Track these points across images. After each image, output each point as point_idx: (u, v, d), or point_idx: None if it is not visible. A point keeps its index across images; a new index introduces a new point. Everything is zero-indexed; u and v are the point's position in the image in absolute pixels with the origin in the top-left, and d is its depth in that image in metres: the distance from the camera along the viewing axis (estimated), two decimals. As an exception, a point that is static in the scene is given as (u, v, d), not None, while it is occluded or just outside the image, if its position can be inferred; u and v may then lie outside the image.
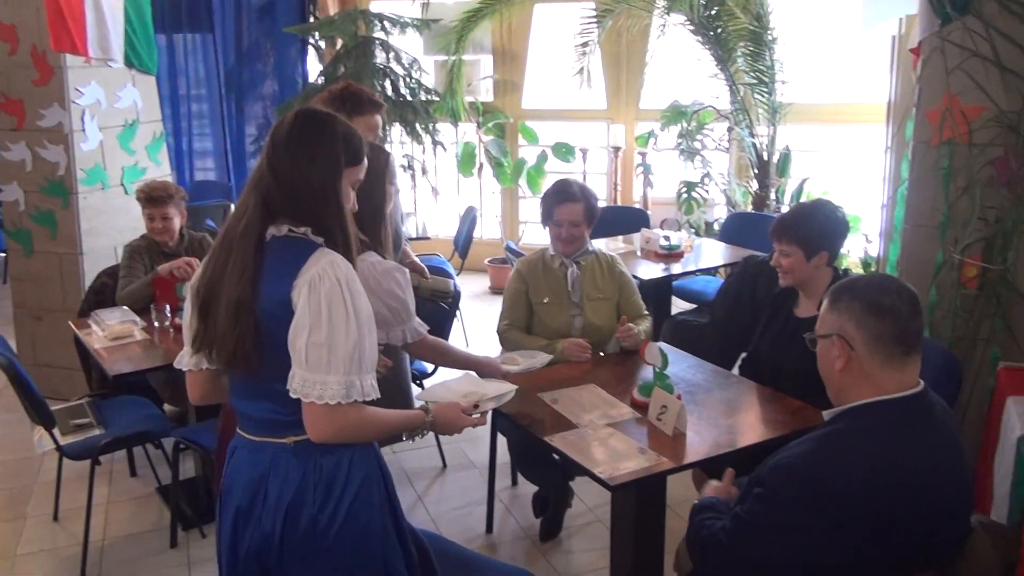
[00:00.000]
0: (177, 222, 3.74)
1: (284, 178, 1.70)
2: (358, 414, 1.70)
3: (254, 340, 1.67)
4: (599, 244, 3.62)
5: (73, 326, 3.53)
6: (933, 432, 1.65)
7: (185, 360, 1.83)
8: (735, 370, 3.24)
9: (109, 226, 4.54)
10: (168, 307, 3.38)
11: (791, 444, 1.74)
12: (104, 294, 3.80)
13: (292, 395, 1.67)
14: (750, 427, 2.47)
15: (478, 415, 2.04)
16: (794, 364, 2.69)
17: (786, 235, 2.72)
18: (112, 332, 3.31)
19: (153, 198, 3.68)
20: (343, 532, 1.74)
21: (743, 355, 3.10)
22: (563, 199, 3.17)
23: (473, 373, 2.52)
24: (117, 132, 4.58)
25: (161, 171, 4.89)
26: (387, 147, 5.94)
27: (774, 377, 2.76)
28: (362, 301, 1.68)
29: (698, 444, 2.36)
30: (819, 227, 2.72)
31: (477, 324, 5.51)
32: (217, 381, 1.86)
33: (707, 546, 1.73)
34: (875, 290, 1.70)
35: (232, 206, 6.20)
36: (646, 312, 3.28)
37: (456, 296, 3.52)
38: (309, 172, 1.70)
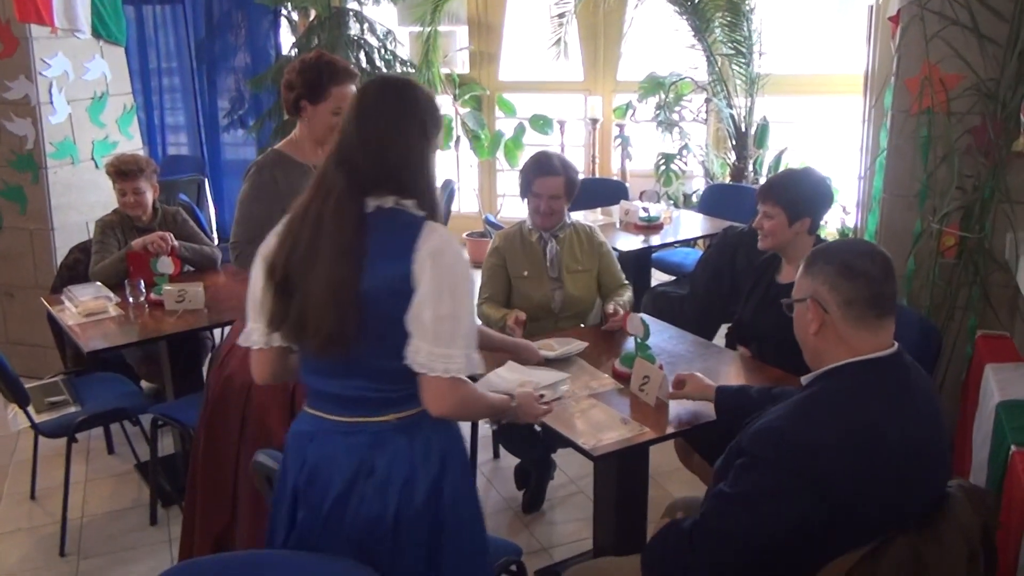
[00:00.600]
0: (150, 196, 3.67)
1: (377, 150, 1.64)
2: (472, 389, 1.70)
3: (357, 320, 1.60)
4: (577, 216, 3.60)
5: (46, 303, 3.47)
6: (908, 392, 1.66)
7: (254, 337, 1.74)
8: (716, 340, 3.25)
9: (80, 201, 4.46)
10: (142, 282, 3.33)
11: (771, 410, 1.74)
12: (77, 270, 3.74)
13: (417, 369, 1.62)
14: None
15: (546, 405, 2.05)
16: (774, 329, 2.69)
17: (771, 197, 2.72)
18: (85, 308, 3.26)
19: (124, 172, 3.60)
20: (460, 507, 1.73)
21: (727, 325, 3.10)
22: (543, 172, 3.14)
23: (511, 361, 2.49)
24: (86, 105, 4.49)
25: (132, 145, 4.80)
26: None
27: (757, 343, 2.77)
28: (472, 276, 1.67)
29: (680, 414, 2.36)
30: (805, 193, 2.72)
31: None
32: (286, 359, 1.78)
33: (695, 536, 1.71)
34: (848, 253, 1.71)
35: (205, 181, 6.14)
36: (626, 282, 3.27)
37: None
38: (405, 142, 1.65)
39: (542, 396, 2.07)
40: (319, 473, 1.71)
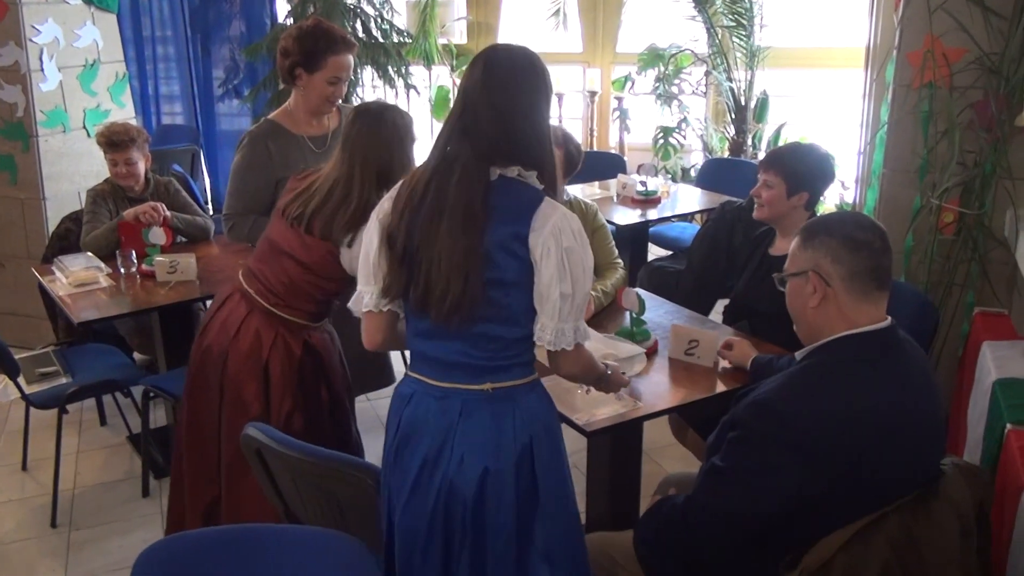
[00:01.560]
0: (142, 166, 3.62)
1: (509, 120, 1.65)
2: (590, 353, 1.83)
3: (482, 286, 1.64)
4: (574, 190, 3.56)
5: (36, 273, 3.44)
6: (904, 365, 1.66)
7: (366, 301, 1.78)
8: (713, 315, 3.23)
9: (72, 170, 4.41)
10: (134, 253, 3.29)
11: (765, 382, 1.73)
12: (68, 240, 3.70)
13: (548, 347, 1.69)
14: (727, 372, 2.46)
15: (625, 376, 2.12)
16: (768, 303, 2.68)
17: (773, 166, 2.69)
18: (76, 279, 3.22)
19: (114, 142, 3.55)
20: (550, 476, 1.75)
21: (724, 301, 3.08)
22: None
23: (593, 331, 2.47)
24: (77, 72, 4.42)
25: (125, 113, 4.75)
26: (358, 90, 5.82)
27: (750, 316, 2.75)
28: (589, 251, 1.71)
29: (674, 390, 2.34)
30: (807, 166, 2.69)
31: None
32: (396, 324, 1.82)
33: (689, 512, 1.70)
34: (849, 226, 1.71)
35: (200, 151, 6.08)
36: (618, 261, 3.20)
37: None
38: (536, 114, 1.68)
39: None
40: (410, 436, 1.75)
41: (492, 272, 1.65)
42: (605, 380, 2.00)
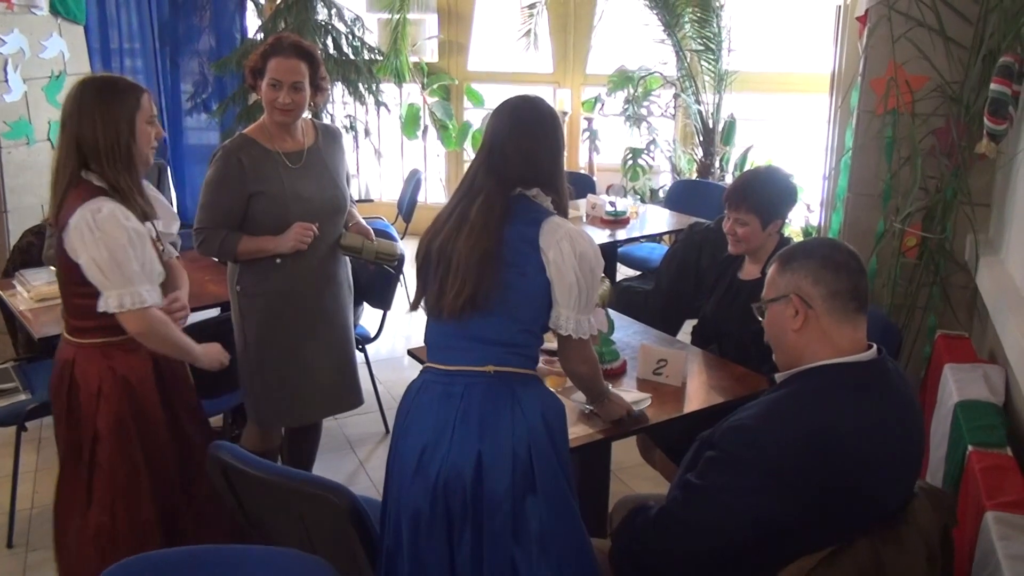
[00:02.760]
0: None
1: (531, 161, 1.92)
2: (594, 351, 2.06)
3: (495, 282, 1.84)
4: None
5: (-4, 287, 3.37)
6: (888, 399, 1.65)
7: None
8: (681, 335, 3.25)
9: (36, 183, 4.34)
10: (98, 268, 3.24)
11: (745, 406, 1.73)
12: (30, 254, 3.63)
13: (564, 332, 1.91)
14: (695, 393, 2.48)
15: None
16: (737, 326, 2.70)
17: (744, 204, 2.67)
18: (38, 293, 3.17)
19: None
20: (548, 466, 1.87)
21: (692, 322, 3.10)
22: None
23: None
24: (43, 84, 4.37)
25: (91, 126, 4.68)
26: (328, 106, 5.81)
27: (718, 340, 2.77)
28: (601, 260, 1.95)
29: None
30: (774, 195, 2.70)
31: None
32: None
33: (658, 524, 1.70)
34: (826, 248, 1.74)
35: (167, 165, 6.01)
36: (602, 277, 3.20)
37: (401, 259, 3.44)
38: (554, 154, 1.96)
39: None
40: (415, 422, 1.89)
41: (506, 269, 1.85)
42: (605, 397, 2.17)
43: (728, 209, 2.74)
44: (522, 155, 1.90)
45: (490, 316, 1.86)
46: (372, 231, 2.94)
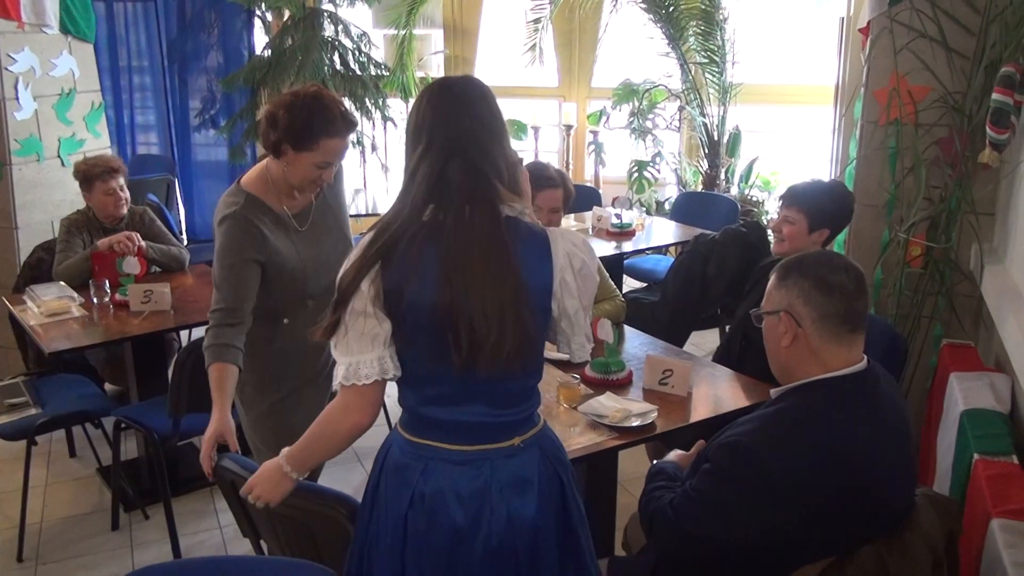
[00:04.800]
0: (128, 192, 3.65)
1: (501, 152, 1.60)
2: None
3: (535, 325, 1.57)
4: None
5: (7, 303, 3.40)
6: (879, 408, 1.66)
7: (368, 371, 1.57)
8: (687, 347, 3.26)
9: (46, 199, 4.38)
10: (108, 282, 3.27)
11: (739, 421, 1.74)
12: (40, 269, 3.67)
13: (575, 360, 1.73)
14: (701, 402, 2.49)
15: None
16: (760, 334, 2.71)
17: (796, 202, 2.68)
18: (48, 308, 3.20)
19: (113, 169, 3.57)
20: (581, 519, 1.72)
21: (699, 334, 3.10)
22: (544, 185, 2.98)
23: (609, 391, 2.48)
24: (53, 101, 4.41)
25: (100, 143, 4.73)
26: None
27: (744, 344, 2.75)
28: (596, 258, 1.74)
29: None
30: (830, 203, 2.70)
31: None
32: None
33: (655, 519, 1.73)
34: (823, 267, 1.70)
35: (175, 181, 6.06)
36: (616, 294, 3.15)
37: None
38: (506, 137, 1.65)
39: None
40: (436, 510, 1.60)
41: (536, 314, 1.58)
42: None
43: (781, 206, 2.75)
44: (493, 147, 1.58)
45: (512, 378, 1.62)
46: None
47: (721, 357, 2.97)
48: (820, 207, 2.67)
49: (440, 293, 1.50)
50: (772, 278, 1.77)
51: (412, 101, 1.85)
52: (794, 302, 1.68)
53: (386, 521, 1.64)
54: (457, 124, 1.56)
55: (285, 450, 1.71)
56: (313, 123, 2.23)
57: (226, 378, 2.21)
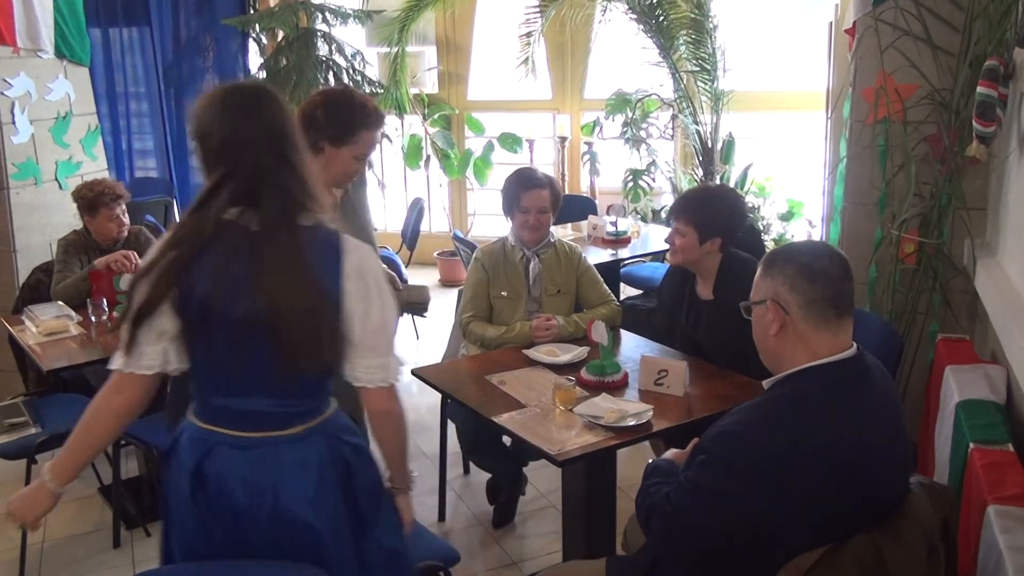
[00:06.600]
0: (127, 215, 3.68)
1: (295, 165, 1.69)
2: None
3: (333, 323, 1.65)
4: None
5: (6, 324, 3.42)
6: (869, 394, 1.67)
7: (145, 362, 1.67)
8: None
9: (43, 222, 4.41)
10: (105, 301, 3.29)
11: (732, 411, 1.75)
12: (39, 291, 3.69)
13: (357, 383, 1.70)
14: (696, 402, 2.49)
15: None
16: (711, 342, 2.75)
17: (684, 215, 2.74)
18: (46, 328, 3.21)
19: (117, 195, 3.58)
20: (375, 500, 1.79)
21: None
22: (530, 185, 3.08)
23: (605, 392, 2.51)
24: (49, 125, 4.45)
25: (97, 166, 4.77)
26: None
27: (700, 355, 2.80)
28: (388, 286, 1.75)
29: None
30: (717, 212, 2.75)
31: (428, 318, 5.47)
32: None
33: (652, 513, 1.74)
34: (807, 255, 1.72)
35: (173, 202, 6.09)
36: (611, 298, 3.20)
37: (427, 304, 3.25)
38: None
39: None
40: (219, 487, 1.70)
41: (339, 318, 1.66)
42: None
43: (672, 219, 2.80)
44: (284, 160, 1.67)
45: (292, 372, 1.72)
46: (397, 278, 2.88)
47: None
48: (707, 218, 2.72)
49: (249, 300, 1.60)
50: (758, 270, 1.79)
51: (407, 117, 1.90)
52: (780, 290, 1.70)
53: (179, 502, 1.73)
54: (249, 132, 1.63)
55: (48, 463, 1.78)
56: (355, 116, 2.41)
57: None
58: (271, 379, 1.67)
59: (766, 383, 1.78)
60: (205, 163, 1.67)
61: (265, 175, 1.63)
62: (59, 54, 4.42)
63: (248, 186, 1.63)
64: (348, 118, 2.41)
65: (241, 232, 1.63)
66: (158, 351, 1.66)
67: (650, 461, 1.99)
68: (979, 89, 2.64)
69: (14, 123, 4.23)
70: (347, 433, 1.79)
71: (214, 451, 1.71)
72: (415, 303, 2.65)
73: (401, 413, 1.78)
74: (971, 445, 2.13)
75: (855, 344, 1.71)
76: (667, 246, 4.60)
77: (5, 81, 4.18)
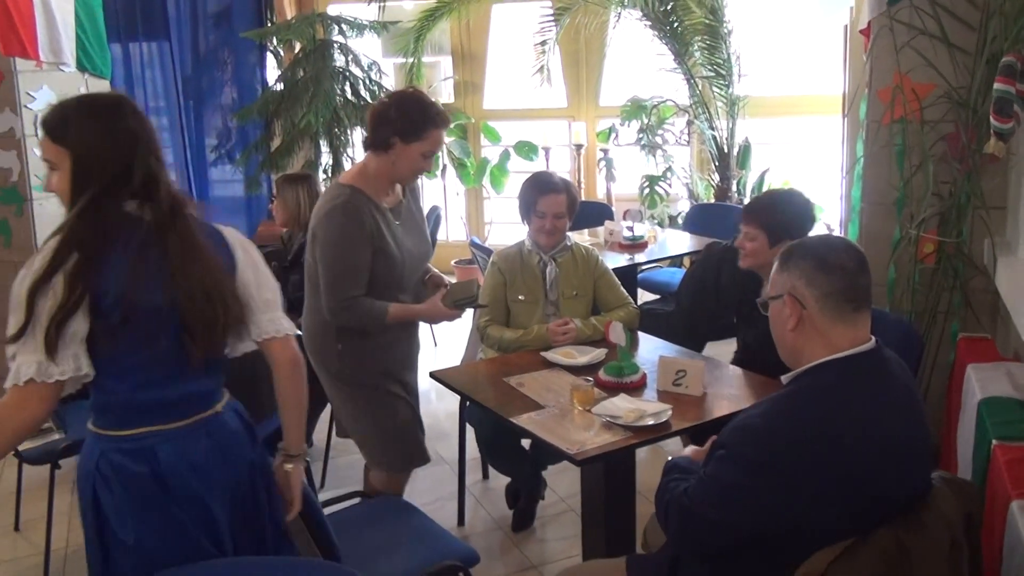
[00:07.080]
0: None
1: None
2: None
3: (238, 303, 1.82)
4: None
5: (30, 332, 3.46)
6: (889, 387, 1.66)
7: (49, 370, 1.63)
8: (704, 354, 3.25)
9: (66, 233, 4.46)
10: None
11: (751, 406, 1.75)
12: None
13: (264, 336, 1.85)
14: (716, 402, 2.48)
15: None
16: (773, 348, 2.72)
17: (755, 219, 2.72)
18: (70, 335, 3.24)
19: None
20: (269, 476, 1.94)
21: (714, 344, 3.10)
22: (547, 190, 3.07)
23: (623, 392, 2.53)
24: (72, 138, 4.51)
25: (118, 177, 4.82)
26: (348, 150, 5.92)
27: (765, 367, 2.76)
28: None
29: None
30: (787, 216, 2.72)
31: (446, 325, 5.47)
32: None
33: (671, 509, 1.74)
34: (823, 248, 1.73)
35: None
36: (628, 301, 3.19)
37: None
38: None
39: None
40: (176, 483, 1.75)
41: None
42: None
43: (742, 223, 2.78)
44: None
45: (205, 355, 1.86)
46: (443, 277, 2.92)
47: (738, 361, 2.98)
48: (777, 221, 2.70)
49: (165, 289, 1.69)
50: (775, 265, 1.79)
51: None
52: (796, 284, 1.70)
53: (126, 522, 1.71)
54: (130, 137, 1.71)
55: None
56: (426, 114, 2.53)
57: (400, 306, 2.61)
58: (192, 362, 1.75)
59: (785, 378, 1.77)
60: (86, 171, 1.70)
61: (154, 173, 1.74)
62: (81, 68, 4.48)
63: (143, 183, 1.72)
64: (420, 115, 2.53)
65: (144, 227, 1.72)
66: (69, 355, 1.64)
67: (669, 459, 1.99)
68: (996, 85, 2.63)
69: (37, 135, 4.29)
70: (243, 411, 1.94)
71: (156, 450, 1.73)
72: (461, 300, 2.69)
73: (304, 363, 1.93)
74: (994, 442, 2.11)
75: (873, 337, 1.70)
76: (687, 249, 4.68)
77: (28, 94, 4.25)
